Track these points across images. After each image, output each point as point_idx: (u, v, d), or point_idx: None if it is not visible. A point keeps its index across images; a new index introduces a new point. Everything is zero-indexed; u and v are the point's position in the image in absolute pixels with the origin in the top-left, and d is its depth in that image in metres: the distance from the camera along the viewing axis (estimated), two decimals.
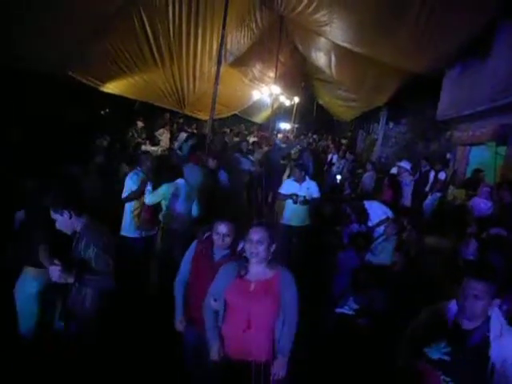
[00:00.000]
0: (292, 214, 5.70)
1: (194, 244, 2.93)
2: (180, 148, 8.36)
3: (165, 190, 4.58)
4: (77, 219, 2.64)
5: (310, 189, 5.69)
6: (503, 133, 6.85)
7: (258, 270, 2.39)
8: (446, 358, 2.06)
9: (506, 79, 6.77)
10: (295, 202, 5.55)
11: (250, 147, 9.13)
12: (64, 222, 2.64)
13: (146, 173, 4.74)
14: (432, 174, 8.84)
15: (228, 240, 2.71)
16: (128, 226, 4.63)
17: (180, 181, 4.72)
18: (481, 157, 8.49)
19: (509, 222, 4.31)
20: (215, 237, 2.73)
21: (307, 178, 5.90)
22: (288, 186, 5.81)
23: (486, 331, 2.06)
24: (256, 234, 2.34)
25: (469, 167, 8.94)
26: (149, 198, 4.52)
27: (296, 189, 5.66)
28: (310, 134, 20.85)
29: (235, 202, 6.08)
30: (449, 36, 7.38)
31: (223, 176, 6.08)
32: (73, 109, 8.20)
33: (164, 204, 4.68)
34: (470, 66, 8.70)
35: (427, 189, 8.65)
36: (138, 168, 4.80)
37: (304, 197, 5.53)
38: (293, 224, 5.73)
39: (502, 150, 7.13)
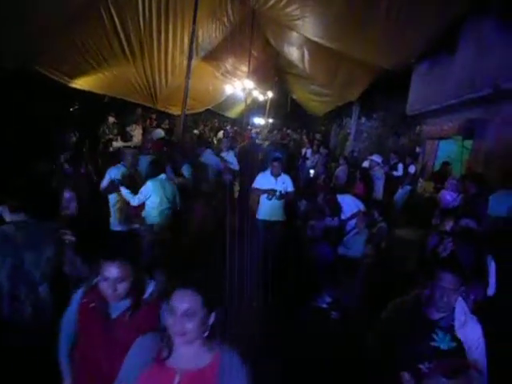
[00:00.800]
0: (268, 209, 5.60)
1: (78, 293, 1.98)
2: None
3: (150, 186, 4.50)
4: (13, 215, 2.64)
5: (285, 183, 5.62)
6: (469, 127, 7.08)
7: (186, 353, 1.55)
8: (454, 344, 2.05)
9: (471, 75, 7.00)
10: (270, 199, 5.47)
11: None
12: (6, 215, 2.66)
13: (128, 168, 4.69)
14: (400, 166, 9.05)
15: (123, 287, 1.80)
16: (113, 221, 4.64)
17: (163, 176, 4.69)
18: (449, 150, 8.76)
19: (474, 213, 4.47)
20: (103, 284, 1.80)
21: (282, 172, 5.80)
22: (264, 181, 5.67)
23: (451, 320, 2.14)
24: (182, 302, 1.47)
25: (437, 160, 9.22)
26: (135, 200, 4.45)
27: (272, 183, 5.56)
28: (284, 129, 20.91)
29: (197, 198, 5.89)
30: (418, 30, 7.55)
31: (186, 171, 5.94)
32: (41, 105, 7.91)
33: (150, 200, 4.57)
34: (438, 62, 8.94)
35: (396, 173, 8.85)
36: (121, 163, 4.73)
37: (280, 192, 5.48)
38: (269, 219, 5.64)
39: (468, 143, 7.38)
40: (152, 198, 4.51)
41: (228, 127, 16.36)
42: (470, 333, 2.12)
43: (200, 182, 6.18)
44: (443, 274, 2.11)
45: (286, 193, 5.62)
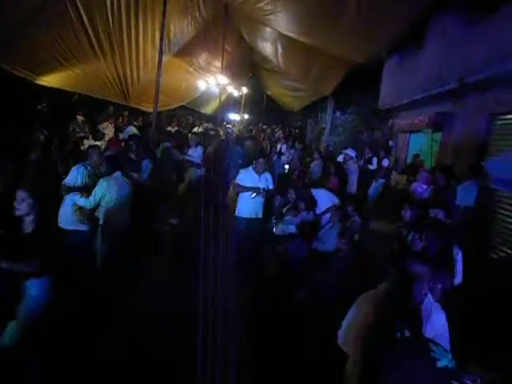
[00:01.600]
0: (250, 207, 5.51)
1: None
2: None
3: (105, 185, 4.30)
4: None
5: (267, 180, 5.56)
6: (438, 120, 7.26)
7: None
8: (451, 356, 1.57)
9: (439, 69, 7.17)
10: (254, 197, 5.39)
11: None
12: None
13: (93, 167, 4.51)
14: (375, 160, 9.20)
15: None
16: (67, 218, 4.31)
17: (118, 173, 4.51)
18: (419, 143, 8.97)
19: (443, 204, 4.59)
20: None
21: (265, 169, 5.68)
22: (247, 178, 5.53)
23: (419, 310, 2.16)
24: None
25: (409, 154, 9.42)
26: (88, 202, 4.24)
27: (256, 181, 5.47)
28: (260, 125, 20.94)
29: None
30: (387, 24, 7.66)
31: (146, 167, 5.81)
32: (6, 103, 7.63)
33: (104, 200, 4.36)
34: (407, 57, 9.12)
35: (371, 167, 9.00)
36: (86, 162, 4.52)
37: (264, 189, 5.41)
38: (249, 217, 5.53)
39: (438, 136, 7.56)
40: (107, 197, 4.32)
41: (204, 124, 16.21)
42: (436, 321, 2.17)
43: (158, 178, 6.09)
44: (418, 266, 2.12)
45: (268, 190, 5.58)
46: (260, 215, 5.62)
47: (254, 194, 5.39)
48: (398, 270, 2.26)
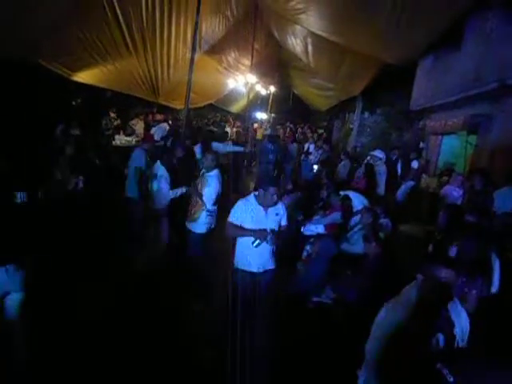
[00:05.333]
0: (255, 257, 3.66)
1: None
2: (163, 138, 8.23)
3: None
4: None
5: (278, 214, 3.73)
6: (474, 122, 7.02)
7: None
8: None
9: (476, 70, 6.93)
10: (257, 245, 3.56)
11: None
12: None
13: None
14: (399, 163, 8.98)
15: None
16: None
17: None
18: (452, 146, 8.73)
19: (480, 209, 4.44)
20: None
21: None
22: (247, 214, 3.62)
23: (448, 312, 2.29)
24: None
25: (441, 156, 9.18)
26: None
27: (261, 219, 3.62)
28: (287, 124, 20.87)
29: None
30: (424, 24, 7.45)
31: None
32: (43, 99, 7.89)
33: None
34: (442, 57, 8.86)
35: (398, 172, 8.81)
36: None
37: (273, 231, 3.59)
38: (256, 270, 3.69)
39: (473, 139, 7.32)
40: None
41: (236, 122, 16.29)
42: (463, 320, 2.29)
43: None
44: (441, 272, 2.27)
45: (279, 229, 3.76)
46: (272, 265, 3.79)
47: (257, 241, 3.56)
48: (426, 275, 2.30)
